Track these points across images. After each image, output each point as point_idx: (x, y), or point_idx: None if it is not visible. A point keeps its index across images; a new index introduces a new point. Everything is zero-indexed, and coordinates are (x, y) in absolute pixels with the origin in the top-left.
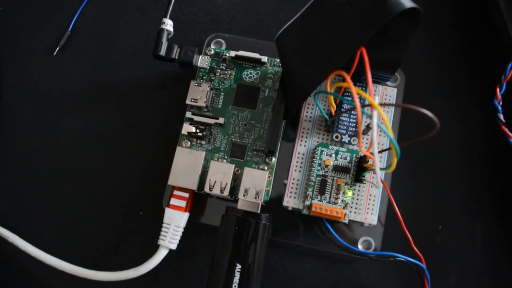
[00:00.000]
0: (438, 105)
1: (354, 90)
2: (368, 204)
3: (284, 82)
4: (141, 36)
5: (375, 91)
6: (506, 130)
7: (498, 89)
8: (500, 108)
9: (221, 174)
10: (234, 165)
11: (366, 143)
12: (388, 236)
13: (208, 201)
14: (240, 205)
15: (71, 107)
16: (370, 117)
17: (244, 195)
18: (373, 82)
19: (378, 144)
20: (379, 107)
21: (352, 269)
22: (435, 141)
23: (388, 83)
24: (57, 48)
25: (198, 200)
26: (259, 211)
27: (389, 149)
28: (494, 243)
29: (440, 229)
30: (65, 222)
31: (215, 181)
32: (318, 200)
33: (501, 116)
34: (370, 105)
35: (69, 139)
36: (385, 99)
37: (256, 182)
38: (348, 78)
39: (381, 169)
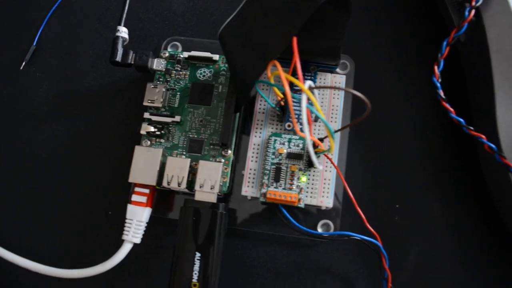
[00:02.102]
0: (389, 88)
1: (284, 76)
2: (323, 188)
3: (231, 76)
4: (102, 45)
5: (324, 79)
6: (447, 105)
7: (436, 67)
8: (438, 84)
9: (178, 169)
10: (190, 159)
11: (319, 129)
12: (347, 218)
13: (175, 197)
14: (197, 197)
15: (40, 118)
16: (300, 100)
17: (200, 187)
18: (323, 71)
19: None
20: (308, 91)
21: (314, 252)
22: (389, 123)
23: (339, 70)
24: (24, 63)
25: (165, 197)
26: (215, 201)
27: (339, 129)
28: (451, 220)
29: (398, 207)
30: (36, 226)
31: (172, 176)
32: (274, 187)
33: (441, 93)
34: (301, 90)
35: (39, 147)
36: (335, 86)
37: (211, 174)
38: (278, 66)
39: (317, 152)
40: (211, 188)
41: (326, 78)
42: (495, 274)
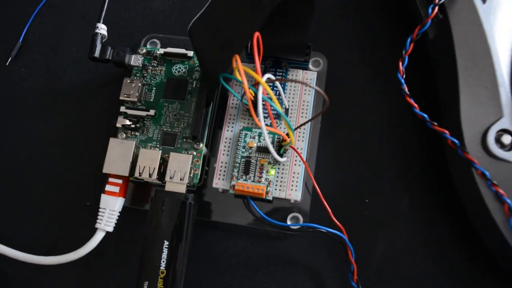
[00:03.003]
0: (362, 85)
1: (242, 69)
2: (292, 181)
3: (201, 70)
4: (85, 42)
5: (296, 75)
6: (411, 101)
7: (400, 63)
8: (402, 80)
9: (149, 160)
10: (161, 151)
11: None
12: (317, 211)
13: (152, 190)
14: (167, 187)
15: (22, 112)
16: (256, 92)
17: (170, 178)
18: (295, 67)
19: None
20: (265, 84)
21: (284, 245)
22: (361, 119)
23: (312, 67)
24: (9, 59)
25: (142, 189)
26: (184, 191)
27: (303, 124)
28: (419, 215)
29: (367, 202)
30: (16, 215)
31: (144, 167)
32: (243, 180)
33: (405, 88)
34: (258, 83)
35: (21, 140)
36: (307, 84)
37: (181, 165)
38: (238, 60)
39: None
40: (181, 180)
41: (298, 75)
42: (462, 268)
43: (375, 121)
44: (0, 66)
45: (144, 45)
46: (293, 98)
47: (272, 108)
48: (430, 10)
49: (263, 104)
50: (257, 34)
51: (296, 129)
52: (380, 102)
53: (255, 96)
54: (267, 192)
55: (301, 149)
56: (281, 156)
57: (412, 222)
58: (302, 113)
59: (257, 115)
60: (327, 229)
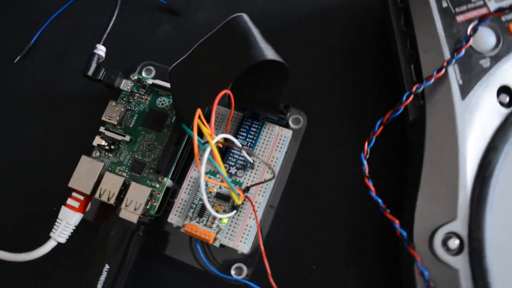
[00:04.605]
0: (335, 150)
1: (196, 125)
2: (243, 233)
3: (174, 110)
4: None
5: (272, 130)
6: (369, 183)
7: (366, 143)
8: (364, 161)
9: (111, 184)
10: (124, 179)
11: (254, 176)
12: (263, 267)
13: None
14: (121, 214)
15: (18, 110)
16: (204, 150)
17: (126, 206)
18: (272, 122)
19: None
20: (213, 145)
21: None
22: (325, 181)
23: (292, 125)
24: (18, 57)
25: (107, 208)
26: (135, 222)
27: (252, 185)
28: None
29: (314, 268)
30: None
31: (105, 190)
32: (196, 222)
33: (365, 170)
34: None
35: (9, 138)
36: (280, 139)
37: (139, 196)
38: (200, 114)
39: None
40: (135, 209)
41: (274, 130)
42: None
43: (338, 188)
44: (9, 62)
45: (140, 71)
46: (263, 152)
47: (240, 158)
48: (404, 98)
49: (232, 152)
50: (225, 91)
51: (247, 188)
52: (348, 173)
53: (224, 146)
54: (215, 239)
55: (259, 203)
56: (236, 208)
57: None
58: (269, 169)
59: (200, 170)
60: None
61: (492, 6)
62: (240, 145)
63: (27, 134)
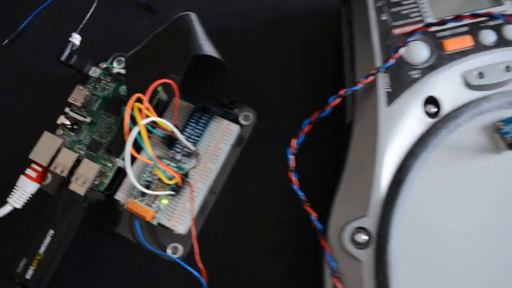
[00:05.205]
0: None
1: (129, 107)
2: (181, 215)
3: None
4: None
5: (220, 124)
6: (292, 176)
7: (294, 140)
8: (290, 156)
9: (66, 159)
10: (77, 154)
11: (196, 164)
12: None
13: None
14: (71, 186)
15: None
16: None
17: (76, 179)
18: (221, 116)
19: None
20: (142, 125)
21: (157, 266)
22: (268, 178)
23: (241, 121)
24: (6, 40)
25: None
26: (82, 194)
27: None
28: (293, 281)
29: (245, 256)
30: None
31: (60, 163)
32: (139, 200)
33: (291, 163)
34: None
35: None
36: (226, 134)
37: (88, 171)
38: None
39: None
40: (83, 183)
41: (222, 124)
42: None
43: (279, 183)
44: None
45: (111, 62)
46: (209, 142)
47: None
48: (331, 99)
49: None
50: (162, 81)
51: (186, 174)
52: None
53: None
54: (154, 217)
55: (200, 189)
56: (174, 190)
57: (283, 285)
58: (213, 158)
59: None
60: (188, 268)
61: (428, 21)
62: (172, 129)
63: (5, 110)
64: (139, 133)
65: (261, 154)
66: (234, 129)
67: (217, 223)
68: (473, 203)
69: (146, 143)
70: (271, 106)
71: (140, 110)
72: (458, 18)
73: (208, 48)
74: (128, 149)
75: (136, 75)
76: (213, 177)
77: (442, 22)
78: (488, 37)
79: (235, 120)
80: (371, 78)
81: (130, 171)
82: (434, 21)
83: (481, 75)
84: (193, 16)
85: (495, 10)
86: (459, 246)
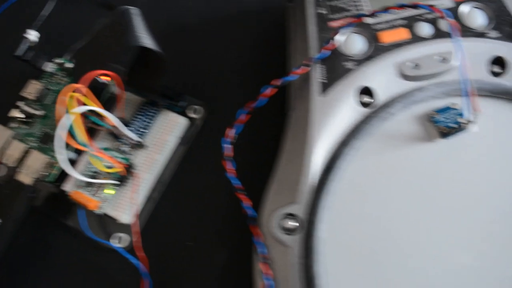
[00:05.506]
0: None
1: (60, 99)
2: (126, 205)
3: None
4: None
5: (168, 116)
6: (225, 164)
7: (230, 130)
8: (225, 145)
9: (16, 150)
10: (27, 146)
11: (143, 156)
12: (146, 239)
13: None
14: (18, 176)
15: None
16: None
17: (24, 170)
18: (169, 109)
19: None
20: (74, 113)
21: (105, 256)
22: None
23: (192, 114)
24: None
25: None
26: (30, 184)
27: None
28: (234, 271)
29: (189, 246)
30: None
31: (10, 154)
32: (85, 190)
33: (225, 154)
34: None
35: None
36: (174, 126)
37: (36, 162)
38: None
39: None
40: (31, 173)
41: (169, 116)
42: None
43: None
44: None
45: (66, 57)
46: (156, 135)
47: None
48: (263, 89)
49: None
50: (97, 72)
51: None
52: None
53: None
54: (98, 207)
55: (146, 180)
56: (120, 180)
57: (224, 276)
58: (160, 150)
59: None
60: (128, 256)
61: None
62: (109, 118)
63: None
64: (73, 121)
65: (210, 147)
66: (182, 121)
67: (164, 213)
68: (404, 191)
69: (79, 131)
70: (221, 100)
71: (77, 99)
72: (387, 9)
73: (146, 40)
74: (58, 136)
75: (82, 68)
76: (160, 168)
77: (374, 14)
78: (425, 29)
79: (184, 113)
80: (304, 68)
81: (61, 157)
82: (366, 13)
83: (416, 66)
84: (135, 11)
85: (435, 3)
86: (388, 234)
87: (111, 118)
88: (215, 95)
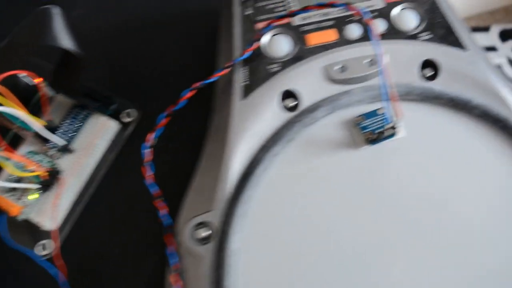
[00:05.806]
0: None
1: None
2: (50, 210)
3: None
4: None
5: (98, 119)
6: (144, 171)
7: (150, 134)
8: (144, 151)
9: None
10: None
11: (70, 160)
12: (69, 245)
13: None
14: None
15: None
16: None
17: None
18: (100, 112)
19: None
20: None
21: (26, 264)
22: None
23: (125, 118)
24: None
25: None
26: None
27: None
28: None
29: (117, 252)
30: None
31: None
32: (8, 195)
33: (145, 160)
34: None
35: None
36: (104, 129)
37: None
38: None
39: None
40: None
41: (100, 120)
42: None
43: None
44: None
45: None
46: (86, 138)
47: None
48: (184, 92)
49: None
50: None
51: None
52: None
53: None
54: (21, 213)
55: (73, 185)
56: (42, 184)
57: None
58: (89, 154)
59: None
60: (45, 265)
61: (294, 17)
62: (21, 118)
63: None
64: None
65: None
66: (112, 125)
67: (91, 219)
68: (325, 200)
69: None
70: (156, 104)
71: None
72: (306, 8)
73: (63, 41)
74: None
75: (4, 69)
76: (88, 172)
77: (293, 14)
78: (353, 31)
79: (116, 117)
80: (225, 70)
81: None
82: (286, 13)
83: (343, 68)
84: (54, 10)
85: (366, 3)
86: (306, 245)
87: (26, 120)
88: (150, 97)
